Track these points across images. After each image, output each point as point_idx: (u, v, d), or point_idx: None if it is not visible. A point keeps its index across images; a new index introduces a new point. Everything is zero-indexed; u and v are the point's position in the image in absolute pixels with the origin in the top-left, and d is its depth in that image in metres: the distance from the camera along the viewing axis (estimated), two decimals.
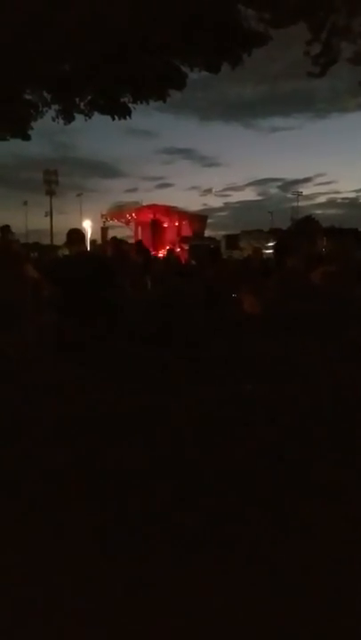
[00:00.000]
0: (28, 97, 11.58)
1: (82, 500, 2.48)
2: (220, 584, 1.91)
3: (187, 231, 28.92)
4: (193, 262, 18.60)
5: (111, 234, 31.12)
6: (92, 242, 26.18)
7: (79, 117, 11.73)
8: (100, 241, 30.47)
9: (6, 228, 9.81)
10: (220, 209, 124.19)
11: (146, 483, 2.66)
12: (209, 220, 35.62)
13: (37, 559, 2.06)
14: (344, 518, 2.34)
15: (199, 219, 31.82)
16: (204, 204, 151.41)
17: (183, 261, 18.83)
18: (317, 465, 2.86)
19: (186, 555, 2.09)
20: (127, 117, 11.43)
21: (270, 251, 27.42)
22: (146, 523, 2.30)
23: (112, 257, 8.52)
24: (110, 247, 9.94)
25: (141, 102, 11.19)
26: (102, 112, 11.48)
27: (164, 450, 3.03)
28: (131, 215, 30.01)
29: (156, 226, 29.49)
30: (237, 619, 1.75)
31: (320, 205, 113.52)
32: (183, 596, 1.85)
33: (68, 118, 11.74)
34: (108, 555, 2.07)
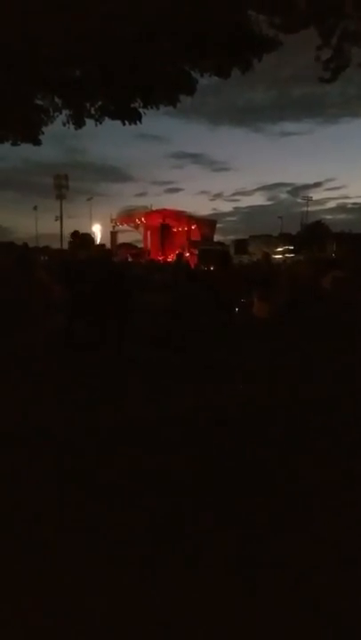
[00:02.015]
0: (39, 102, 11.65)
1: (84, 502, 2.48)
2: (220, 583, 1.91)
3: (196, 236, 28.95)
4: (202, 267, 18.62)
5: (121, 238, 31.29)
6: (101, 246, 26.23)
7: (90, 122, 11.79)
8: (109, 245, 30.63)
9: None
10: (229, 213, 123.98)
11: (149, 484, 2.65)
12: (218, 225, 35.64)
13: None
14: (342, 518, 2.33)
15: (208, 223, 31.85)
16: (214, 209, 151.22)
17: (192, 266, 18.85)
18: (318, 467, 2.85)
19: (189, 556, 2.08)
20: (137, 122, 11.46)
21: (280, 256, 27.44)
22: (149, 523, 2.30)
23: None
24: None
25: (152, 107, 11.22)
26: (113, 117, 11.51)
27: (166, 452, 3.03)
28: (140, 219, 30.13)
29: (165, 230, 29.57)
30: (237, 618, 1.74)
31: (330, 210, 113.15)
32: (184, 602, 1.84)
33: (79, 123, 11.78)
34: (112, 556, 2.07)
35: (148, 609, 1.77)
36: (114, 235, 31.64)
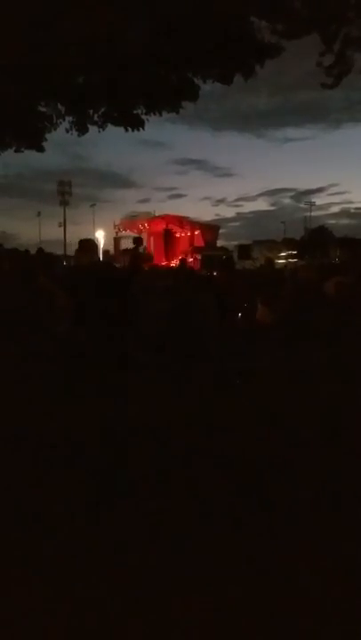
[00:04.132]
0: (42, 109, 11.72)
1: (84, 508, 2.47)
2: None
3: (199, 241, 29.03)
4: (205, 272, 18.65)
5: (124, 244, 31.42)
6: (105, 252, 26.40)
7: (93, 129, 11.85)
8: (112, 251, 30.76)
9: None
10: (232, 219, 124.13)
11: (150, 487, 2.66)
12: (221, 230, 35.77)
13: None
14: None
15: (211, 229, 31.93)
16: (217, 215, 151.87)
17: (195, 271, 18.88)
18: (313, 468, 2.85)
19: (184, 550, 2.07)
20: (140, 129, 11.51)
21: (283, 261, 27.39)
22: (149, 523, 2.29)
23: None
24: None
25: (154, 114, 11.27)
26: (116, 124, 11.57)
27: (166, 457, 3.03)
28: (143, 225, 30.21)
29: (168, 236, 29.65)
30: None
31: (333, 215, 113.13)
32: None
33: (82, 130, 11.84)
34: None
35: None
36: (117, 241, 31.77)
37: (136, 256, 9.72)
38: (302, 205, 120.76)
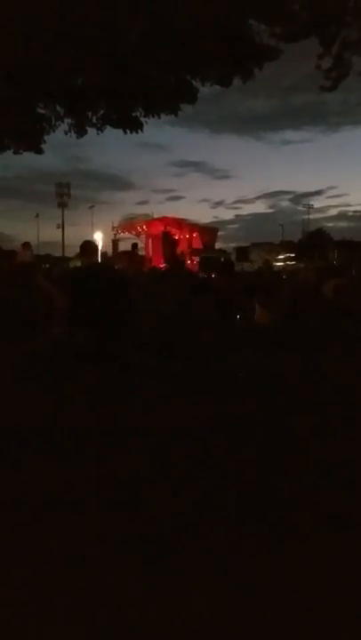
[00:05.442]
0: (41, 111, 11.74)
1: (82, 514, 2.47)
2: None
3: (197, 243, 29.10)
4: (204, 274, 18.68)
5: (122, 246, 31.47)
6: (103, 254, 26.36)
7: (91, 131, 11.87)
8: (110, 253, 30.81)
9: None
10: (230, 221, 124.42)
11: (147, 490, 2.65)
12: (220, 233, 35.89)
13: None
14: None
15: (210, 231, 32.01)
16: (215, 217, 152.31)
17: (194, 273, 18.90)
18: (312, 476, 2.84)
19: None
20: (139, 131, 11.54)
21: (281, 263, 27.41)
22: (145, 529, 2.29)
23: None
24: None
25: (153, 116, 11.30)
26: (114, 126, 11.60)
27: (166, 461, 3.02)
28: (142, 227, 30.27)
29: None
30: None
31: (331, 218, 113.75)
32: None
33: (81, 132, 11.87)
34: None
35: None
36: (115, 243, 31.80)
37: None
38: (300, 208, 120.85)
